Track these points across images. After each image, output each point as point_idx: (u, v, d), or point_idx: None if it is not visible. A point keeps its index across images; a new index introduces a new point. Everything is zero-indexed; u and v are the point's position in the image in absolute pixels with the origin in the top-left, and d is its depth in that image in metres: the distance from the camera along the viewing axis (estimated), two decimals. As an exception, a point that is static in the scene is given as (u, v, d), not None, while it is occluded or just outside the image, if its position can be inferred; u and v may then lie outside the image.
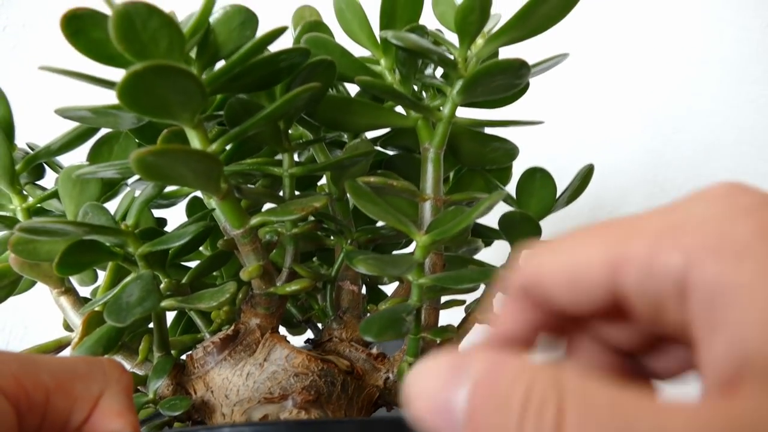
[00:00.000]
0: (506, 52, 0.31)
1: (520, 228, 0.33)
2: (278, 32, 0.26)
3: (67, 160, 0.36)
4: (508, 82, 0.28)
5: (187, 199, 0.42)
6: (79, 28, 0.25)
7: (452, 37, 0.32)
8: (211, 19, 0.28)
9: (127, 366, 0.32)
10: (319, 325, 0.37)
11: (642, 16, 0.73)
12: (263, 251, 0.30)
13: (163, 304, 0.30)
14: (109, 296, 0.29)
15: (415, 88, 0.35)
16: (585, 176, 0.36)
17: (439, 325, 0.32)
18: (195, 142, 0.27)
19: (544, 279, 0.17)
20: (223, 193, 0.28)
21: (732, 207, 0.15)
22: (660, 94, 0.73)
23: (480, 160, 0.36)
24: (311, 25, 0.35)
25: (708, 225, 0.15)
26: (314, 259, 0.40)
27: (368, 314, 0.35)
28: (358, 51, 0.35)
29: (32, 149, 0.36)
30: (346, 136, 0.39)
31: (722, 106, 0.73)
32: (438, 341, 0.31)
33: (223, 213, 0.29)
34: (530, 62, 0.29)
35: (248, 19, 0.28)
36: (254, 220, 0.29)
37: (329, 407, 0.28)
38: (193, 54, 0.29)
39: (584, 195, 0.36)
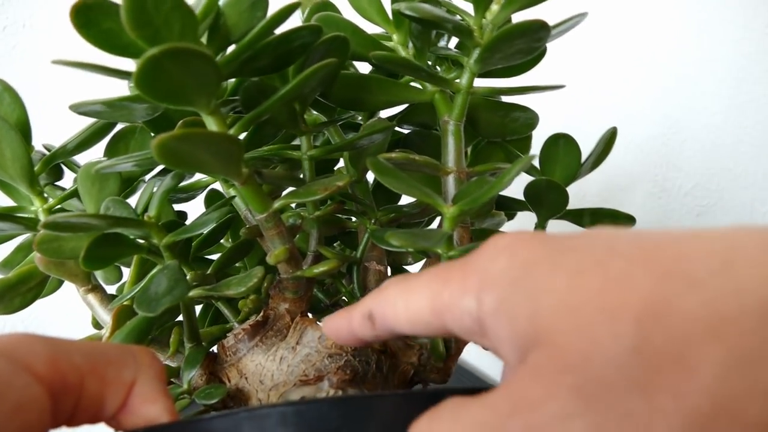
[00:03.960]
0: (520, 19, 0.30)
1: (547, 196, 0.33)
2: (291, 8, 0.26)
3: (83, 159, 0.36)
4: (527, 46, 0.28)
5: (205, 192, 0.42)
6: (90, 18, 0.25)
7: (466, 8, 0.31)
8: (221, 2, 0.28)
9: (160, 358, 0.32)
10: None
11: (642, 16, 0.73)
12: (288, 235, 0.30)
13: (191, 293, 0.29)
14: (137, 289, 0.29)
15: (429, 63, 0.35)
16: (609, 140, 0.35)
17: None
18: (213, 128, 0.27)
19: (387, 318, 0.21)
20: (244, 177, 0.27)
21: (494, 249, 0.19)
22: (660, 94, 0.73)
23: (500, 131, 0.35)
24: (319, 6, 0.34)
25: (482, 267, 0.19)
26: (336, 243, 0.40)
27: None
28: (370, 30, 0.35)
29: (48, 150, 0.36)
30: (360, 118, 0.39)
31: (722, 106, 0.73)
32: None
33: (245, 198, 0.28)
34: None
35: (258, 0, 0.28)
36: (277, 203, 0.28)
37: (366, 386, 0.28)
38: (204, 39, 0.28)
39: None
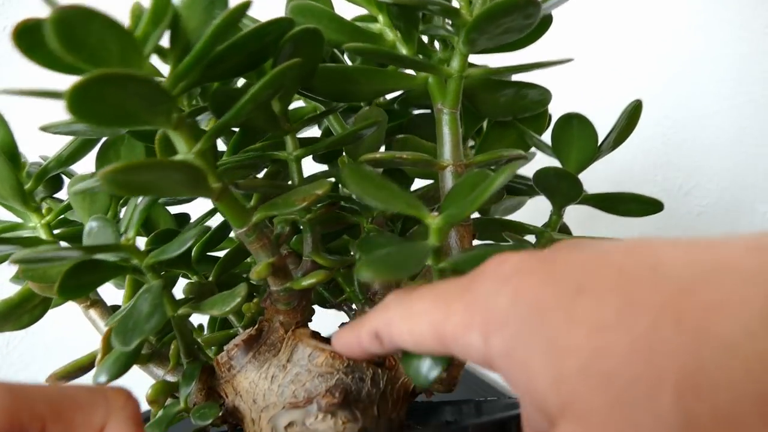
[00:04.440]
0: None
1: (558, 185, 0.29)
2: (243, 7, 0.23)
3: (80, 167, 0.36)
4: (517, 23, 0.24)
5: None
6: (34, 41, 0.23)
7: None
8: (179, 3, 0.26)
9: (160, 373, 0.32)
10: (354, 306, 0.36)
11: (641, 17, 0.72)
12: (273, 246, 0.28)
13: (180, 311, 0.29)
14: (124, 311, 0.28)
15: (425, 40, 0.32)
16: (632, 114, 0.31)
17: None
18: (180, 144, 0.25)
19: (394, 339, 0.22)
20: (216, 193, 0.26)
21: (496, 280, 0.19)
22: (660, 94, 0.72)
23: (508, 109, 0.32)
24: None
25: (485, 302, 0.18)
26: (342, 236, 0.38)
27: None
28: (356, 12, 0.32)
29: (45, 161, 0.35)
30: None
31: (722, 106, 0.72)
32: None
33: (222, 213, 0.27)
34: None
35: (216, -2, 0.25)
36: (255, 217, 0.27)
37: (359, 406, 0.26)
38: (167, 45, 0.26)
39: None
